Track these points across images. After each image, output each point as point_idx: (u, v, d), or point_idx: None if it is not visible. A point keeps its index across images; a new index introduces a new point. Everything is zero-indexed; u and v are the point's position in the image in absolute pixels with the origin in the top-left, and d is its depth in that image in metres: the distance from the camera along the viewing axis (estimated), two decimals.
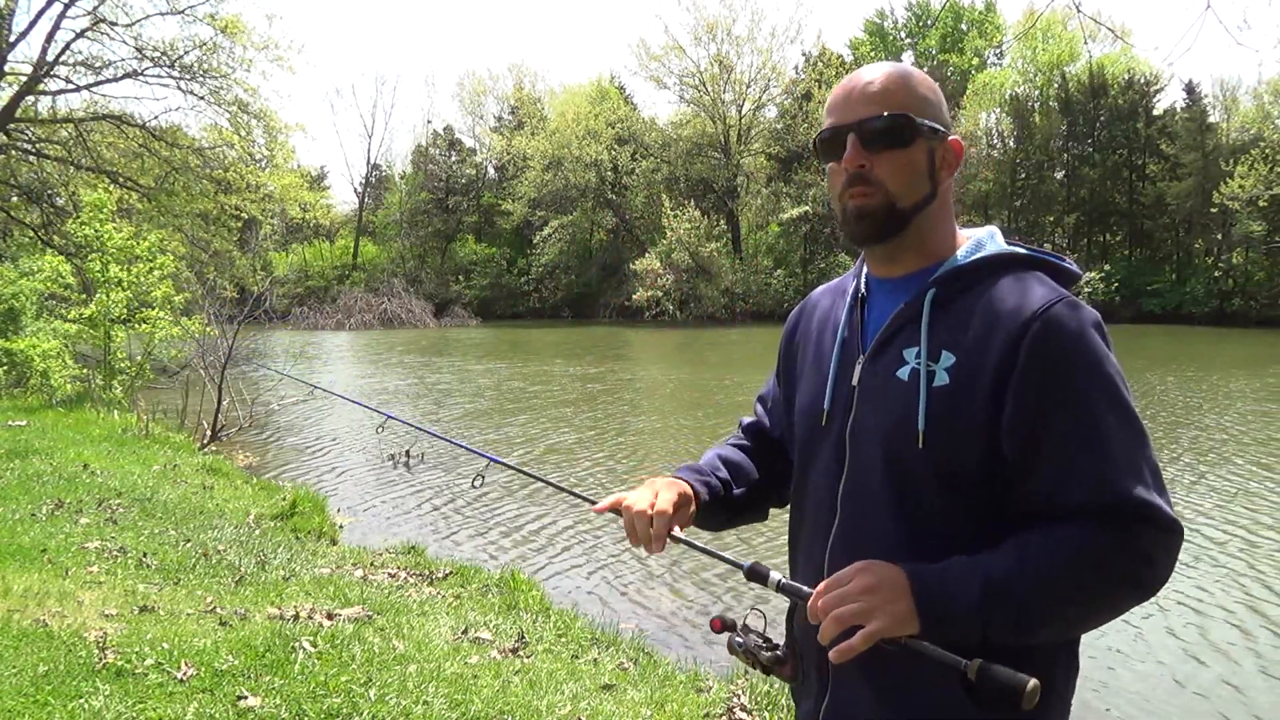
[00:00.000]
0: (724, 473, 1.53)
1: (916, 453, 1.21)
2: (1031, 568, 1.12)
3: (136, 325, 12.46)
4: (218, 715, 3.07)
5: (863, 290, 1.39)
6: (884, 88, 1.29)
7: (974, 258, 1.28)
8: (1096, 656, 5.06)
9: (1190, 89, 40.82)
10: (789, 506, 1.51)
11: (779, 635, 1.30)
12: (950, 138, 1.31)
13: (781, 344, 1.56)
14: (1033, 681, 1.03)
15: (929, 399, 1.21)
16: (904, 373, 1.25)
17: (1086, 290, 36.18)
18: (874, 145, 1.27)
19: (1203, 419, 12.94)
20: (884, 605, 1.11)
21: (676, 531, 1.37)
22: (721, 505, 1.50)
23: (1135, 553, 1.12)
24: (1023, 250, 1.30)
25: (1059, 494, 1.15)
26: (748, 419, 1.66)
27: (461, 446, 1.89)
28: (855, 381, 1.32)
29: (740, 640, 1.24)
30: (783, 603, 1.29)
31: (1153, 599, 1.18)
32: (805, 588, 1.22)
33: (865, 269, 1.41)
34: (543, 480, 1.85)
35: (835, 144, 1.30)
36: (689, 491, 1.44)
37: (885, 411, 1.26)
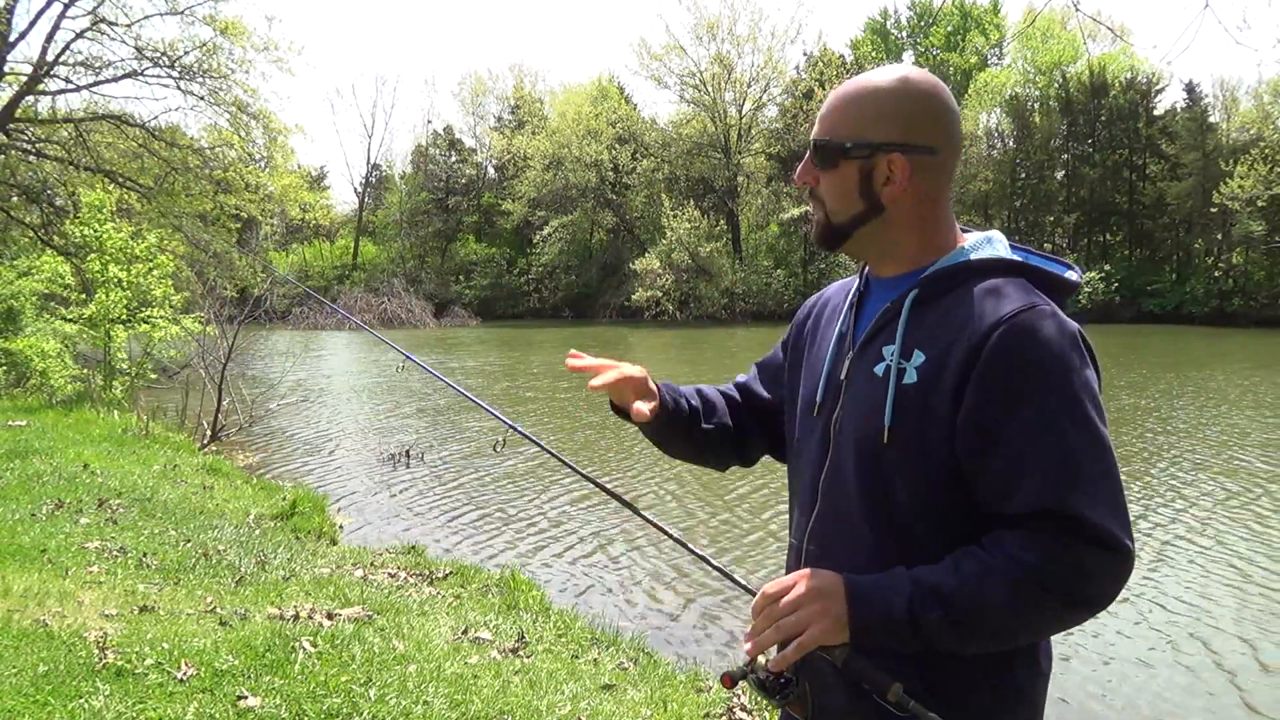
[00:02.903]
0: (696, 401, 1.55)
1: (882, 448, 1.24)
2: (966, 578, 1.13)
3: (136, 325, 12.45)
4: (218, 715, 3.07)
5: (861, 287, 1.42)
6: (829, 106, 1.32)
7: (957, 261, 1.29)
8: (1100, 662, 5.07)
9: (1190, 89, 40.87)
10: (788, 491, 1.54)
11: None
12: (894, 153, 1.26)
13: (793, 328, 1.58)
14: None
15: (896, 396, 1.23)
16: (880, 369, 1.27)
17: (1086, 290, 36.22)
18: (817, 164, 1.33)
19: (1170, 417, 13.00)
20: (820, 614, 1.14)
21: (643, 408, 1.41)
22: (684, 428, 1.53)
23: (1071, 568, 1.11)
24: (1015, 257, 1.30)
25: (1004, 500, 1.15)
26: (742, 377, 1.69)
27: (488, 410, 1.88)
28: (844, 375, 1.35)
29: (759, 678, 1.24)
30: None
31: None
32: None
33: (867, 267, 1.43)
34: (556, 456, 1.81)
35: None
36: (654, 387, 1.48)
37: (861, 406, 1.29)
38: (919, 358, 1.23)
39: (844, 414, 1.32)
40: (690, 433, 1.53)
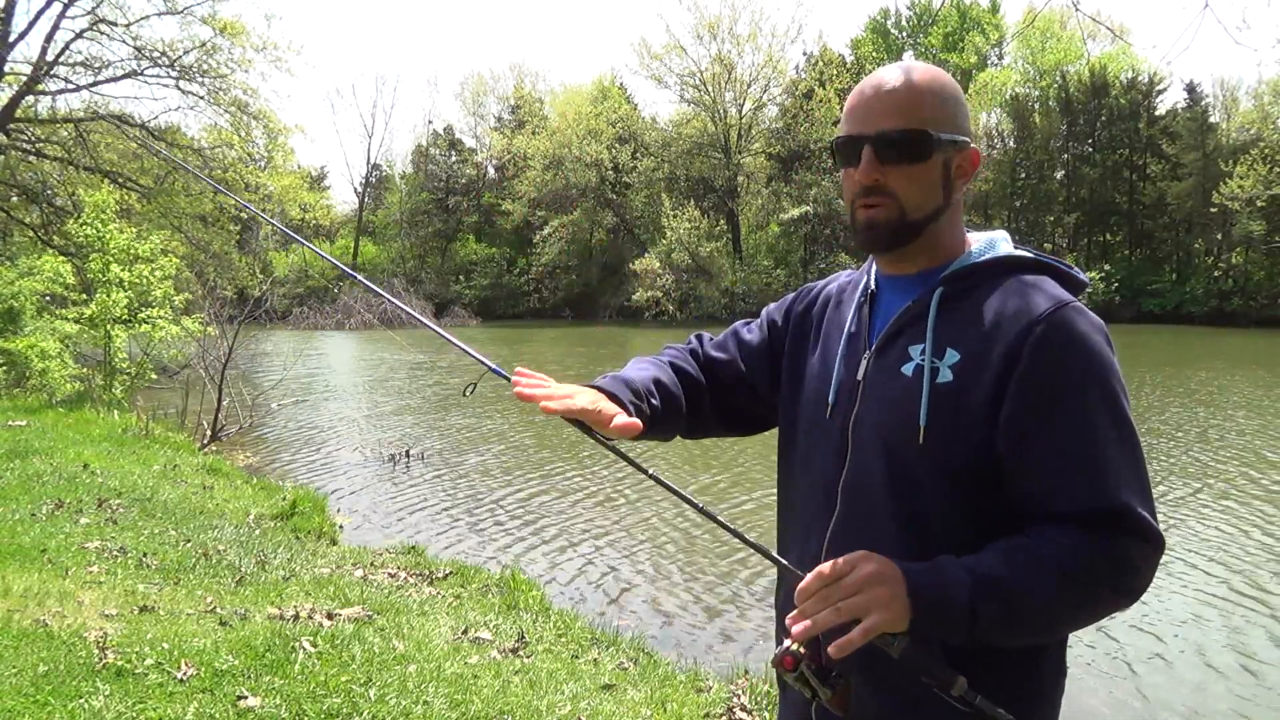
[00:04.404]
0: (657, 400, 1.43)
1: (917, 448, 1.22)
2: (1019, 571, 1.12)
3: (137, 325, 12.45)
4: (218, 715, 3.07)
5: (872, 286, 1.39)
6: (904, 98, 1.26)
7: (983, 258, 1.29)
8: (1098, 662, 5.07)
9: (1191, 89, 40.91)
10: (778, 492, 1.49)
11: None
12: (970, 147, 1.30)
13: (789, 315, 1.52)
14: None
15: (932, 396, 1.22)
16: (908, 369, 1.26)
17: (1086, 290, 36.25)
18: (889, 159, 1.25)
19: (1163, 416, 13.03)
20: (884, 599, 1.10)
21: (622, 422, 1.27)
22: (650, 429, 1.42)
23: (1120, 562, 1.13)
24: (1030, 255, 1.30)
25: (1050, 498, 1.16)
26: (709, 342, 1.59)
27: (467, 351, 1.70)
28: (861, 375, 1.32)
29: (811, 667, 1.16)
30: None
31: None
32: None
33: (874, 265, 1.41)
34: (531, 398, 1.62)
35: (851, 151, 1.28)
36: (614, 405, 1.33)
37: (889, 406, 1.26)
38: (953, 357, 1.22)
39: (865, 415, 1.29)
40: (653, 428, 1.43)
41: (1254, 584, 6.22)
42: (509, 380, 1.42)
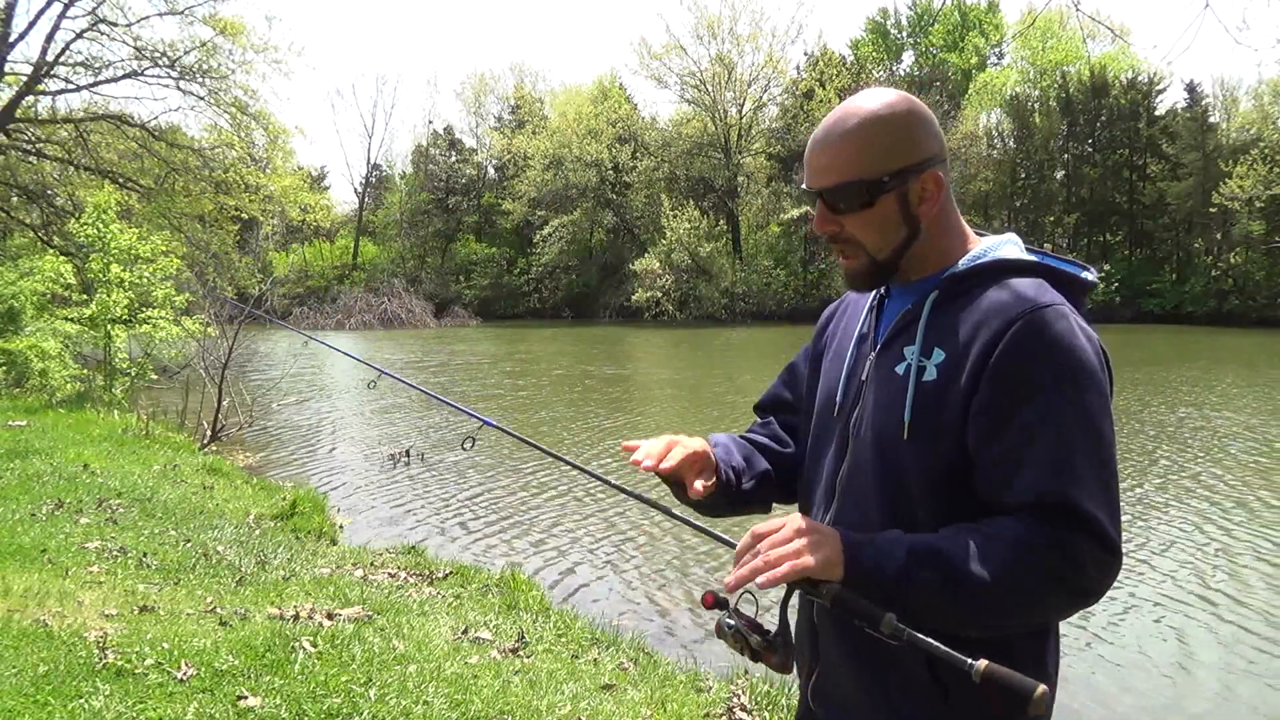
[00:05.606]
0: (738, 459, 1.52)
1: (903, 444, 1.26)
2: (961, 547, 1.13)
3: (137, 325, 12.46)
4: (218, 715, 3.07)
5: (881, 291, 1.44)
6: (834, 154, 1.30)
7: (976, 263, 1.31)
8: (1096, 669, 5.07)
9: (1191, 89, 40.90)
10: (798, 497, 1.54)
11: (769, 622, 1.26)
12: (926, 171, 1.29)
13: (816, 334, 1.60)
14: (1041, 687, 1.00)
15: (916, 393, 1.26)
16: (901, 368, 1.30)
17: (1091, 290, 36.24)
18: (839, 210, 1.31)
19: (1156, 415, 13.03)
20: (813, 545, 1.14)
21: (699, 487, 1.38)
22: (726, 494, 1.48)
23: (1067, 557, 1.12)
24: (1032, 258, 1.32)
25: (1005, 490, 1.17)
26: (768, 395, 1.66)
27: (455, 406, 1.86)
28: (865, 376, 1.37)
29: (731, 623, 1.23)
30: (778, 591, 1.27)
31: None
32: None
33: None
34: (539, 447, 1.76)
35: (810, 200, 1.35)
36: (712, 459, 1.45)
37: (882, 404, 1.31)
38: (939, 355, 1.26)
39: (863, 414, 1.34)
40: (731, 494, 1.49)
41: (1237, 582, 6.21)
42: (499, 429, 1.67)
